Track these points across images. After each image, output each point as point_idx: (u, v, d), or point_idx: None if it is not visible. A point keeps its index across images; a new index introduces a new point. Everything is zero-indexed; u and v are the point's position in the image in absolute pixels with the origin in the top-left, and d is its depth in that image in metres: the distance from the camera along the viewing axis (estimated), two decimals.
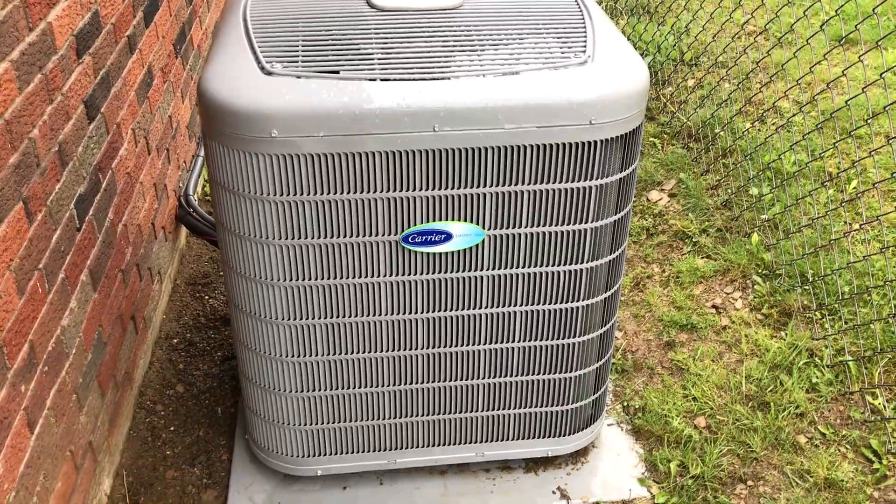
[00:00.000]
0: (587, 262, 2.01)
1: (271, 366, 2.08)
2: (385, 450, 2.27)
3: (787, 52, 4.22)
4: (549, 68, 1.82)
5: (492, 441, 2.30)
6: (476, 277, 1.98)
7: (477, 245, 1.93)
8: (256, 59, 1.80)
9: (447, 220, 1.87)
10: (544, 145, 1.80)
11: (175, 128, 3.20)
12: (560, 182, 1.86)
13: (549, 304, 2.06)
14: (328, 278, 1.93)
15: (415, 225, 1.87)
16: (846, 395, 2.63)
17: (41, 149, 1.87)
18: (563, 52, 1.89)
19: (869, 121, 2.85)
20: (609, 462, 2.42)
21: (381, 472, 2.37)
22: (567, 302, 2.07)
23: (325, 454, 2.25)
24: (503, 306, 2.05)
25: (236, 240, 1.89)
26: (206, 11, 3.80)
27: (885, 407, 2.55)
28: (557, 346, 2.15)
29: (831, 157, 3.68)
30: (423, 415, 2.21)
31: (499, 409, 2.24)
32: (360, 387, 2.13)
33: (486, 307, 2.04)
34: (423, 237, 1.88)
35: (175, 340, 2.89)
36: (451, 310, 2.02)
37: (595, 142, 1.82)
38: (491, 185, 1.84)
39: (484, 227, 1.90)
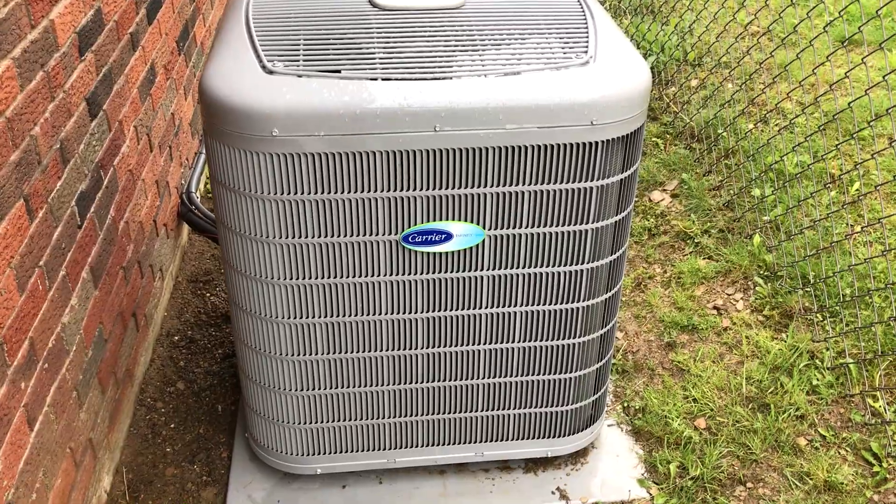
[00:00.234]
0: (588, 263, 2.01)
1: (271, 364, 2.08)
2: (384, 449, 2.27)
3: (791, 53, 4.21)
4: (551, 68, 1.82)
5: (491, 441, 2.30)
6: (476, 277, 1.98)
7: (477, 245, 1.93)
8: (258, 57, 1.80)
9: (448, 219, 1.87)
10: (545, 146, 1.80)
11: (178, 125, 3.20)
12: (561, 183, 1.86)
13: (550, 304, 2.06)
14: (328, 277, 1.93)
15: (415, 224, 1.87)
16: (847, 398, 2.62)
17: (42, 146, 1.87)
18: (564, 53, 1.88)
19: (871, 123, 2.84)
20: (609, 463, 2.42)
21: (380, 471, 2.37)
22: (567, 303, 2.07)
23: (324, 453, 2.25)
24: (503, 306, 2.05)
25: (237, 238, 1.89)
26: (209, 9, 3.80)
27: (885, 410, 2.54)
28: (558, 346, 2.14)
29: (834, 158, 3.68)
30: (422, 414, 2.21)
31: (499, 409, 2.24)
32: (359, 386, 2.13)
33: (487, 307, 2.04)
34: (424, 237, 1.88)
35: (176, 338, 2.90)
36: (452, 310, 2.02)
37: (596, 142, 1.82)
38: (492, 186, 1.84)
39: (484, 228, 1.90)
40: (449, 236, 1.90)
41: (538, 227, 1.92)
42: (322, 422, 2.19)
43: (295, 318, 1.99)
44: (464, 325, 2.06)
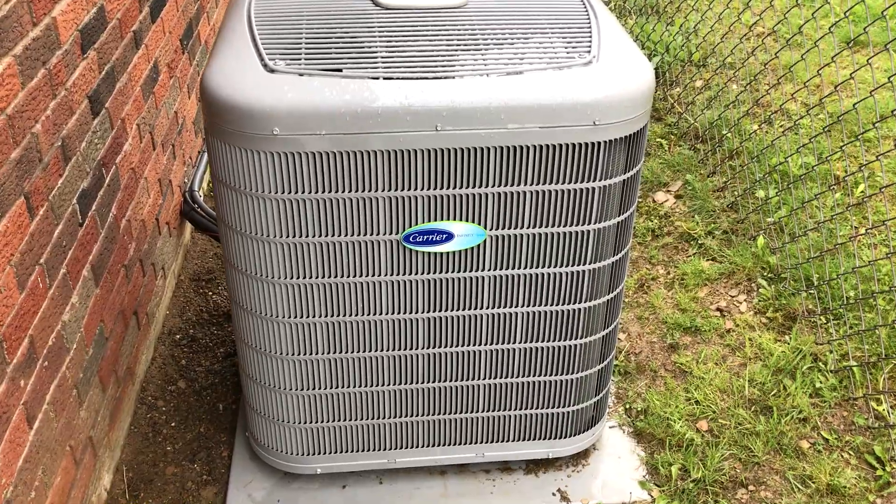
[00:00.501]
0: (590, 264, 2.00)
1: (272, 363, 2.07)
2: (385, 449, 2.26)
3: (796, 54, 4.19)
4: (554, 68, 1.81)
5: (492, 442, 2.30)
6: (478, 278, 1.97)
7: (479, 245, 1.92)
8: (259, 56, 1.80)
9: (449, 219, 1.87)
10: (547, 146, 1.79)
11: (181, 123, 3.20)
12: (563, 183, 1.85)
13: (552, 305, 2.05)
14: (329, 277, 1.92)
15: (417, 224, 1.86)
16: (850, 401, 2.61)
17: (44, 144, 1.87)
18: (567, 52, 1.88)
19: (876, 124, 2.83)
20: (610, 464, 2.41)
21: (380, 471, 2.36)
22: (569, 303, 2.06)
23: (325, 452, 2.25)
24: (505, 307, 2.04)
25: (238, 237, 1.89)
26: (213, 7, 3.80)
27: (889, 413, 2.53)
28: (559, 347, 2.14)
29: (839, 160, 3.66)
30: (423, 415, 2.20)
31: (500, 409, 2.23)
32: (360, 386, 2.13)
33: (488, 308, 2.03)
34: (425, 237, 1.88)
35: (178, 336, 2.89)
36: (453, 310, 2.02)
37: (599, 143, 1.81)
38: (493, 186, 1.83)
39: (486, 228, 1.89)
40: (450, 236, 1.89)
41: (540, 227, 1.92)
42: (322, 421, 2.18)
43: (296, 317, 1.98)
44: (465, 326, 2.05)
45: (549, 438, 2.31)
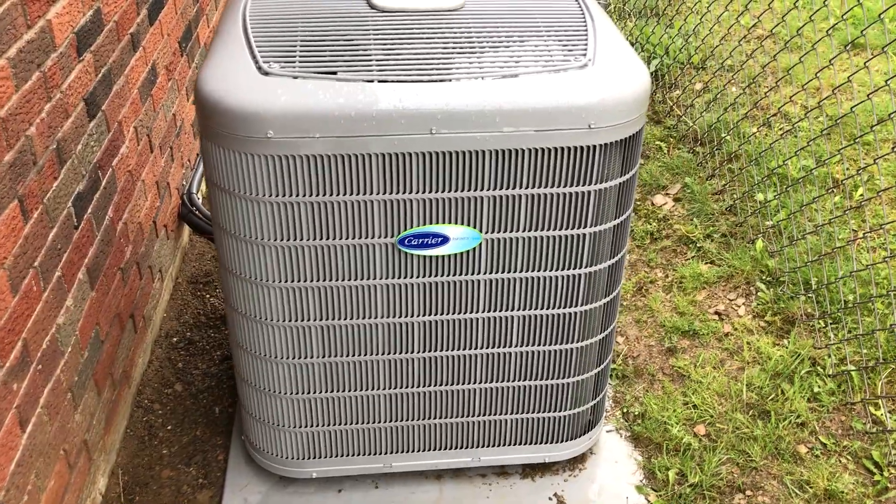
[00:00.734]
0: (586, 268, 1.99)
1: (267, 367, 2.07)
2: (380, 453, 2.25)
3: (795, 56, 4.19)
4: (549, 71, 1.81)
5: (488, 446, 2.29)
6: (473, 281, 1.97)
7: (474, 249, 1.91)
8: (254, 59, 1.79)
9: (444, 223, 1.86)
10: (542, 149, 1.79)
11: (179, 126, 3.20)
12: (558, 186, 1.85)
13: (548, 309, 2.04)
14: (324, 280, 1.92)
15: (411, 228, 1.85)
16: (848, 406, 2.60)
17: (38, 146, 1.87)
18: (563, 55, 1.87)
19: (874, 128, 2.82)
20: (607, 469, 2.41)
21: (376, 475, 2.35)
22: (566, 307, 2.05)
23: (320, 457, 2.24)
24: (501, 311, 2.03)
25: (232, 240, 1.88)
26: (213, 10, 3.80)
27: (887, 418, 2.52)
28: (556, 351, 2.13)
29: (838, 163, 3.65)
30: (419, 419, 2.20)
31: (496, 413, 2.23)
32: (356, 390, 2.12)
33: (484, 311, 2.02)
34: (420, 240, 1.87)
35: (175, 339, 2.89)
36: (448, 314, 2.01)
37: (594, 146, 1.80)
38: (488, 189, 1.83)
39: (481, 231, 1.89)
40: (445, 240, 1.88)
41: (536, 230, 1.91)
42: (318, 425, 2.18)
43: (290, 320, 1.98)
44: (460, 330, 2.05)
45: (546, 443, 2.30)
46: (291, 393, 2.11)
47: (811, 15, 3.22)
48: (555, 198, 1.87)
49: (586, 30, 1.96)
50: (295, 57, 1.81)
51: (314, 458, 2.24)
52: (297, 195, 1.79)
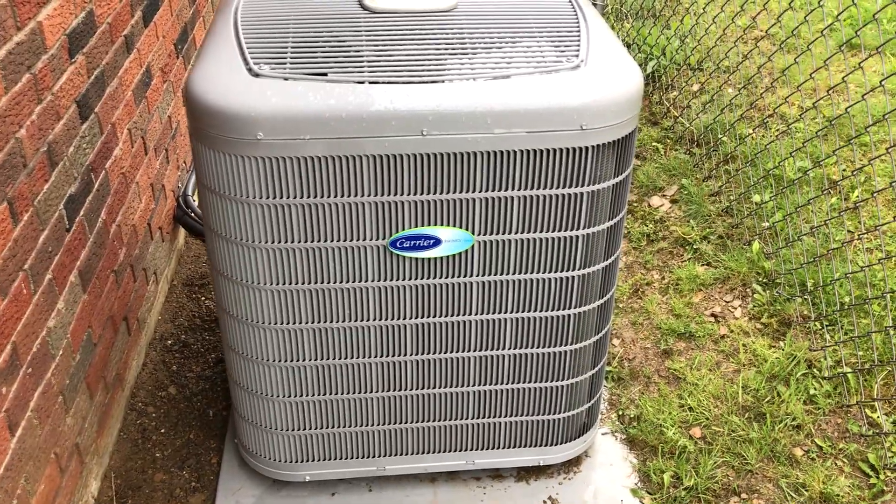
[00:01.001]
0: (580, 269, 1.98)
1: (259, 370, 2.06)
2: (374, 456, 2.24)
3: (790, 57, 4.18)
4: (541, 72, 1.80)
5: (483, 449, 2.28)
6: (466, 284, 1.96)
7: (466, 251, 1.90)
8: (244, 60, 1.78)
9: (436, 225, 1.85)
10: (534, 150, 1.78)
11: (175, 128, 3.19)
12: (551, 188, 1.84)
13: (541, 311, 2.04)
14: (316, 282, 1.91)
15: (403, 230, 1.85)
16: (844, 408, 2.59)
17: (28, 149, 1.86)
18: (555, 56, 1.86)
19: (868, 129, 2.81)
20: (602, 472, 2.39)
21: (370, 479, 2.34)
22: (559, 309, 2.04)
23: (313, 460, 2.23)
24: (494, 313, 2.02)
25: (223, 243, 1.87)
26: (210, 12, 3.79)
27: (883, 421, 2.51)
28: (550, 353, 2.12)
29: (835, 164, 3.64)
30: (412, 421, 2.19)
31: (490, 416, 2.22)
32: (348, 392, 2.11)
33: (476, 314, 2.01)
34: (412, 242, 1.86)
35: (169, 342, 2.88)
36: (441, 316, 2.00)
37: (587, 147, 1.79)
38: (480, 191, 1.82)
39: (473, 233, 1.88)
40: (437, 242, 1.87)
41: (528, 232, 1.90)
42: (311, 428, 2.17)
43: (282, 323, 1.97)
44: (453, 332, 2.04)
45: (541, 445, 2.29)
46: (284, 396, 2.10)
47: (806, 15, 3.22)
48: (548, 199, 1.86)
49: (579, 31, 1.95)
50: (286, 58, 1.80)
51: (307, 461, 2.23)
52: (288, 197, 1.78)
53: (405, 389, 2.12)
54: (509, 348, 2.09)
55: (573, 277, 1.99)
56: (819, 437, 2.51)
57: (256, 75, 1.74)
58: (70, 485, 2.11)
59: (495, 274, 1.96)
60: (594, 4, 2.35)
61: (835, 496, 2.31)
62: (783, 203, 3.38)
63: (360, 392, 2.11)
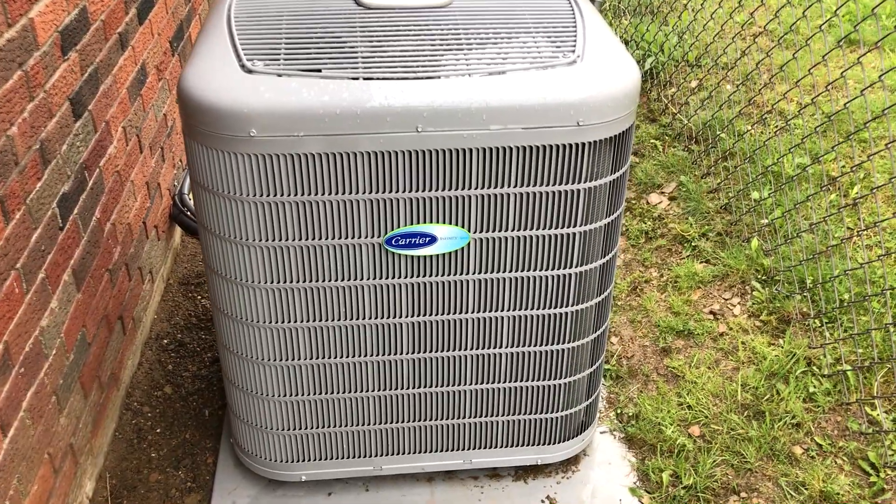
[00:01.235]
0: (577, 267, 1.97)
1: (254, 369, 2.04)
2: (371, 456, 2.23)
3: (789, 53, 4.16)
4: (537, 68, 1.78)
5: (480, 448, 2.26)
6: (462, 281, 1.94)
7: (462, 248, 1.89)
8: (238, 56, 1.77)
9: (432, 222, 1.84)
10: (530, 147, 1.76)
11: (170, 126, 3.17)
12: (548, 185, 1.82)
13: (538, 309, 2.02)
14: (310, 281, 1.89)
15: (398, 227, 1.83)
16: (844, 406, 2.57)
17: (20, 147, 1.84)
18: (551, 52, 1.84)
19: (867, 125, 2.79)
20: (600, 471, 2.38)
21: (366, 478, 2.33)
22: (556, 307, 2.02)
23: (309, 460, 2.22)
24: (490, 311, 2.01)
25: (217, 241, 1.86)
26: (206, 10, 3.77)
27: (883, 418, 2.49)
28: (547, 352, 2.10)
29: (833, 160, 3.63)
30: (409, 421, 2.17)
31: (487, 415, 2.20)
32: (344, 392, 2.09)
33: (473, 312, 2.00)
34: (407, 240, 1.85)
35: (165, 341, 2.86)
36: (437, 314, 1.98)
37: (583, 144, 1.78)
38: (476, 188, 1.80)
39: (469, 230, 1.86)
40: (433, 239, 1.86)
41: (525, 230, 1.88)
42: (307, 428, 2.15)
43: (277, 322, 1.95)
44: (449, 330, 2.02)
45: (538, 444, 2.28)
46: (279, 395, 2.08)
47: (805, 11, 3.20)
48: (544, 196, 1.84)
49: (575, 26, 1.94)
50: (279, 54, 1.78)
51: (303, 460, 2.22)
52: (282, 194, 1.76)
53: (401, 388, 2.10)
54: (506, 346, 2.07)
55: (571, 275, 1.97)
56: (819, 435, 2.49)
57: (249, 71, 1.73)
58: (64, 485, 2.10)
59: (492, 271, 1.94)
60: (591, 1, 2.34)
61: (834, 494, 2.29)
62: (782, 200, 3.36)
63: (355, 391, 2.09)
